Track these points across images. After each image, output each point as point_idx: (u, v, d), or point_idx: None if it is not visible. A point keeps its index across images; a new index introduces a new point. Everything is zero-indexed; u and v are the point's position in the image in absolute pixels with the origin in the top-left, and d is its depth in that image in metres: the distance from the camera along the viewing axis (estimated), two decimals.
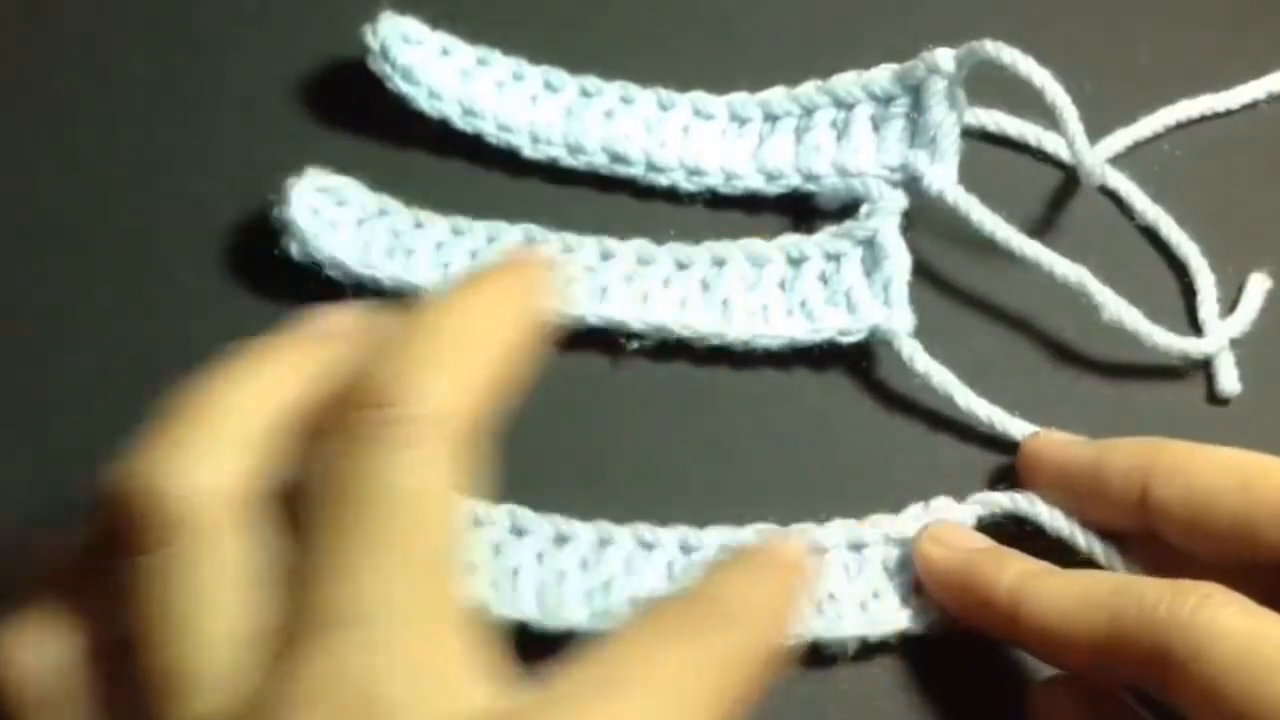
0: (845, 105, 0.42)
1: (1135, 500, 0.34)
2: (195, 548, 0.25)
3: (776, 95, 0.42)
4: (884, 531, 0.37)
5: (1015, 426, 0.39)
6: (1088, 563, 0.36)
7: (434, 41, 0.41)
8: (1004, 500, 0.37)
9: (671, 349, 0.40)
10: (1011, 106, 0.43)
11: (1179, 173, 0.43)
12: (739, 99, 0.43)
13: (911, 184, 0.41)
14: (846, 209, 0.41)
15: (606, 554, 0.36)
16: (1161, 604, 0.30)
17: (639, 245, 0.40)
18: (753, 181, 0.42)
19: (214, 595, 0.25)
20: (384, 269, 0.38)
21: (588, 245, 0.40)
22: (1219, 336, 0.41)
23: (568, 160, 0.41)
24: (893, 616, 0.36)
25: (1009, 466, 0.39)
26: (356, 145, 0.41)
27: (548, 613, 0.35)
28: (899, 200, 0.40)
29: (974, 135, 0.42)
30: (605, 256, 0.40)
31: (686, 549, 0.36)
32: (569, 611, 0.35)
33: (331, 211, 0.39)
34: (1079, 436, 0.37)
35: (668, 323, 0.39)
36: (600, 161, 0.41)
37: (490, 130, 0.41)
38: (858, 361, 0.40)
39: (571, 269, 0.39)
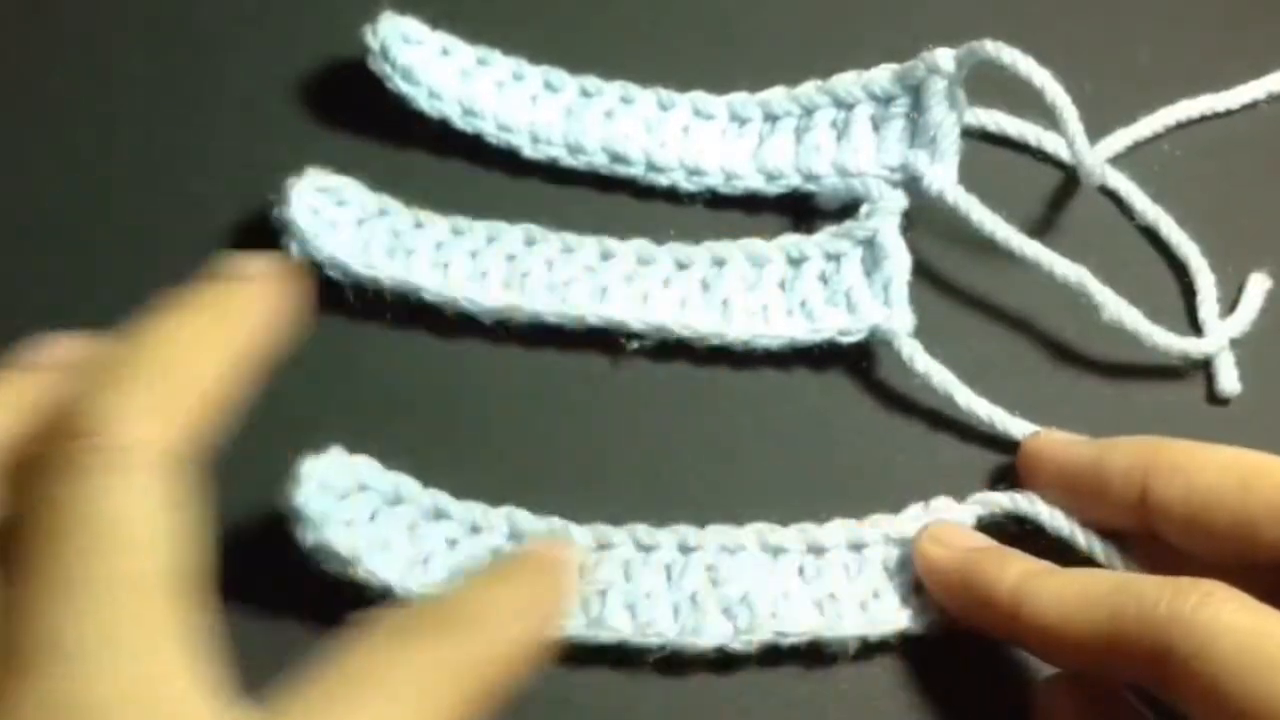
0: (845, 105, 0.42)
1: (1135, 499, 0.34)
2: None
3: (776, 95, 0.42)
4: (884, 531, 0.37)
5: (1015, 426, 0.39)
6: (1088, 562, 0.36)
7: (434, 41, 0.41)
8: (1004, 500, 0.37)
9: (671, 349, 0.40)
10: (1011, 106, 0.43)
11: (1179, 173, 0.43)
12: (739, 99, 0.43)
13: (911, 184, 0.41)
14: (846, 209, 0.41)
15: (603, 559, 0.36)
16: (1162, 602, 0.30)
17: (639, 245, 0.40)
18: (753, 181, 0.42)
19: None
20: (384, 269, 0.38)
21: (588, 245, 0.40)
22: (1219, 336, 0.41)
23: (568, 160, 0.41)
24: (893, 616, 0.36)
25: (1009, 466, 0.39)
26: (356, 145, 0.41)
27: None
28: (899, 200, 0.40)
29: (974, 135, 0.42)
30: (605, 256, 0.40)
31: (685, 550, 0.36)
32: (565, 619, 0.35)
33: (331, 211, 0.39)
34: (1079, 436, 0.37)
35: (668, 323, 0.39)
36: (600, 161, 0.41)
37: (490, 130, 0.41)
38: (858, 361, 0.40)
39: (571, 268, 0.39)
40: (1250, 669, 0.29)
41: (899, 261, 0.39)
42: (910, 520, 0.37)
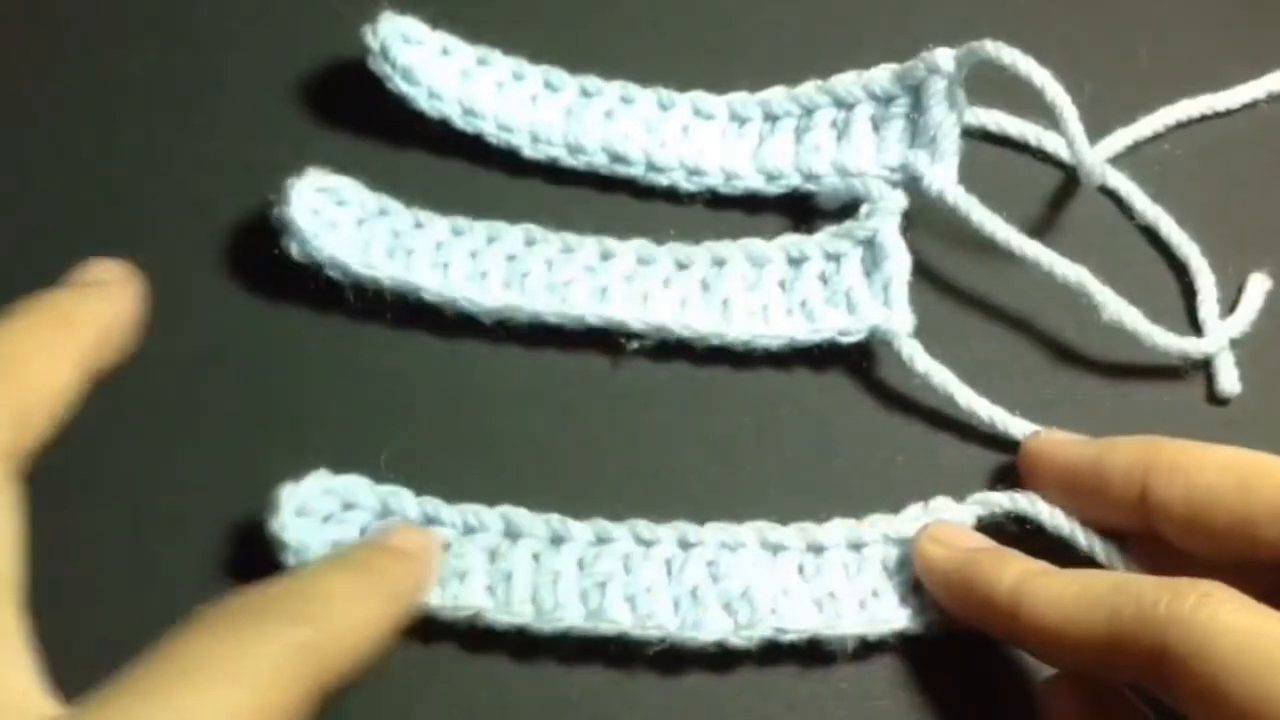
0: (845, 105, 0.42)
1: (1135, 499, 0.34)
2: None
3: (776, 95, 0.42)
4: (884, 531, 0.37)
5: (1015, 426, 0.39)
6: (1088, 562, 0.36)
7: (434, 41, 0.41)
8: (1004, 500, 0.37)
9: (671, 349, 0.40)
10: (1011, 106, 0.43)
11: (1179, 173, 0.43)
12: (739, 99, 0.43)
13: (911, 184, 0.41)
14: (846, 209, 0.41)
15: (604, 553, 0.36)
16: (1161, 602, 0.30)
17: (639, 245, 0.40)
18: (753, 181, 0.42)
19: None
20: (384, 269, 0.38)
21: (588, 245, 0.40)
22: (1219, 336, 0.41)
23: (568, 160, 0.41)
24: (892, 616, 0.36)
25: (1009, 466, 0.39)
26: (356, 145, 0.41)
27: (543, 615, 0.35)
28: (899, 200, 0.40)
29: (974, 135, 0.42)
30: (605, 256, 0.40)
31: (685, 545, 0.36)
32: (565, 611, 0.35)
33: (331, 211, 0.39)
34: (1079, 436, 0.37)
35: (668, 323, 0.39)
36: (600, 161, 0.41)
37: (490, 130, 0.41)
38: (858, 361, 0.40)
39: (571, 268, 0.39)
40: (1249, 669, 0.29)
41: (899, 261, 0.39)
42: (910, 520, 0.37)
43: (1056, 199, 0.43)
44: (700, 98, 0.42)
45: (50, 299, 0.31)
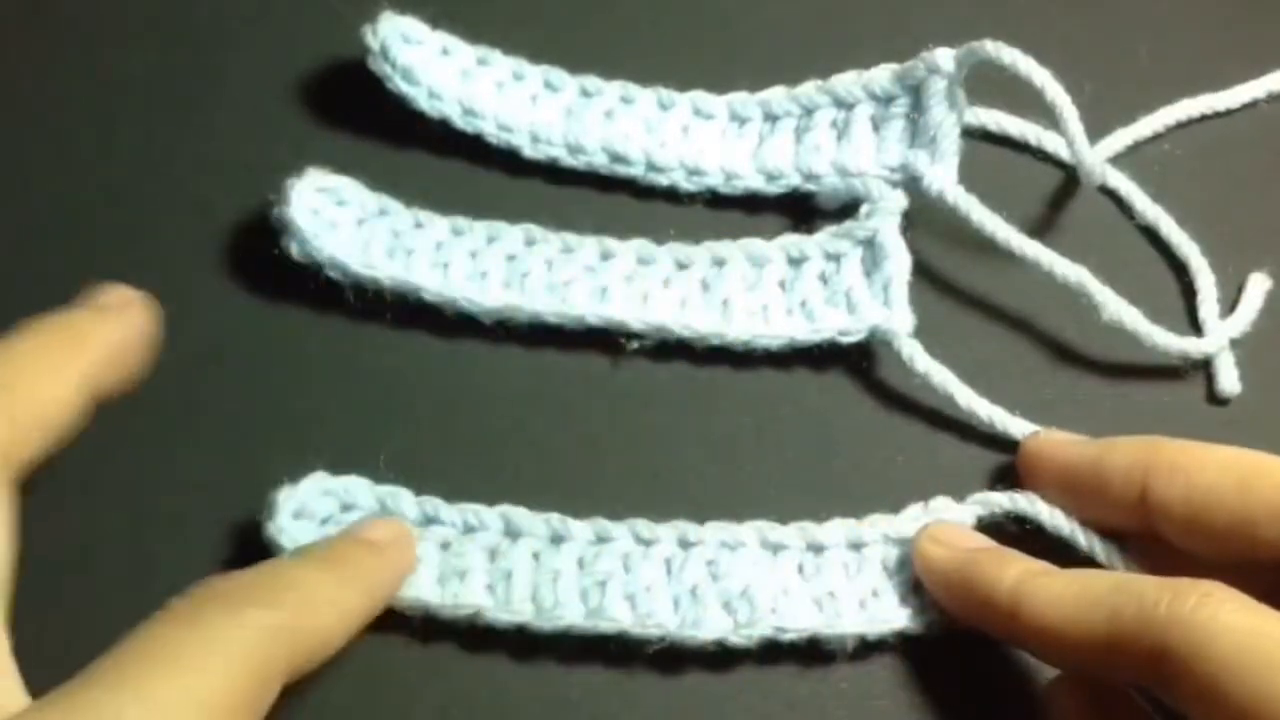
0: (845, 105, 0.42)
1: (1135, 499, 0.34)
2: None
3: (776, 95, 0.42)
4: (884, 531, 0.37)
5: (1015, 426, 0.39)
6: (1088, 562, 0.36)
7: (434, 41, 0.41)
8: (1004, 500, 0.37)
9: (671, 349, 0.40)
10: (1011, 106, 0.43)
11: (1179, 173, 0.43)
12: (739, 99, 0.43)
13: (911, 184, 0.41)
14: (846, 209, 0.41)
15: (603, 552, 0.36)
16: (1161, 602, 0.30)
17: (639, 245, 0.40)
18: (753, 181, 0.42)
19: None
20: (384, 269, 0.38)
21: (588, 245, 0.40)
22: (1219, 336, 0.41)
23: (568, 160, 0.41)
24: (892, 615, 0.36)
25: (1009, 466, 0.39)
26: (356, 145, 0.41)
27: (543, 614, 0.35)
28: (899, 200, 0.40)
29: (974, 135, 0.42)
30: (605, 256, 0.40)
31: (685, 544, 0.36)
32: (564, 610, 0.35)
33: (331, 211, 0.39)
34: (1079, 436, 0.37)
35: (668, 323, 0.39)
36: (600, 161, 0.42)
37: (490, 130, 0.41)
38: (858, 361, 0.40)
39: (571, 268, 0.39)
40: (1249, 669, 0.29)
41: (899, 261, 0.39)
42: (910, 520, 0.37)
43: (1056, 199, 0.43)
44: (700, 98, 0.42)
45: (63, 318, 0.31)
